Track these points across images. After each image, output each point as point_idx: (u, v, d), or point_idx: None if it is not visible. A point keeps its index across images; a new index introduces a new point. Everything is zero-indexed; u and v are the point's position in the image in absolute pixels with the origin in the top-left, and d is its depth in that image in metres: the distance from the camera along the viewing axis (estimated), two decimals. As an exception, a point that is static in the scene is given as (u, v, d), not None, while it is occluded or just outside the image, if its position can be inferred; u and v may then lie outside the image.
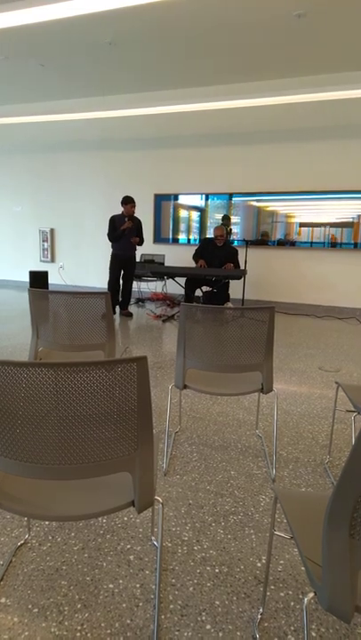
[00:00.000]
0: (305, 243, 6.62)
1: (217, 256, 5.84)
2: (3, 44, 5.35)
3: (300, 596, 1.34)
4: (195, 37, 5.01)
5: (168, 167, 7.29)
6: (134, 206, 5.76)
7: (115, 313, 5.88)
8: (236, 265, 5.87)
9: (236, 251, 5.94)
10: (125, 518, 1.69)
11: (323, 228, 6.48)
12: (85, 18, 4.55)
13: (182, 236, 7.40)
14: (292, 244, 6.69)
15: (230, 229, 7.05)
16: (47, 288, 7.29)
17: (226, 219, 7.08)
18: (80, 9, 3.86)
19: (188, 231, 7.37)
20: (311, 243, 6.58)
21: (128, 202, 5.72)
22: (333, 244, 6.47)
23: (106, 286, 6.14)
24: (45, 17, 4.05)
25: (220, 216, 7.13)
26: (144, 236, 6.03)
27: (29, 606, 1.27)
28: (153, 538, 1.58)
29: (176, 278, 6.12)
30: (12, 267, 8.91)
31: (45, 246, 8.49)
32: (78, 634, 1.19)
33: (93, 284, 8.17)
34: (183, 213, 7.35)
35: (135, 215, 5.86)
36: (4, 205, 8.76)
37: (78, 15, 4.12)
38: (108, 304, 2.32)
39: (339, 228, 6.38)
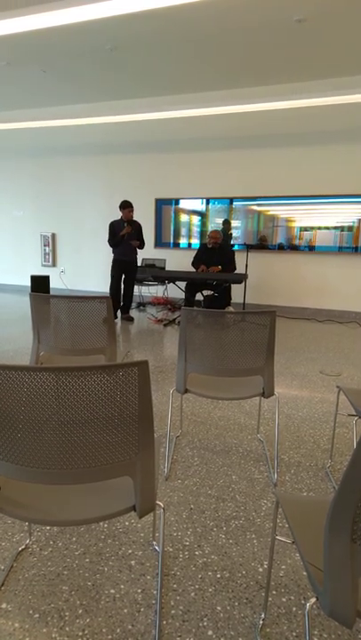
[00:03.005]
0: (306, 247, 6.63)
1: (213, 260, 5.86)
2: (5, 49, 5.39)
3: (302, 602, 1.33)
4: (195, 43, 5.04)
5: (169, 172, 7.32)
6: (132, 210, 5.79)
7: (116, 317, 5.89)
8: (232, 266, 5.87)
9: (233, 252, 5.94)
10: (127, 523, 1.69)
11: (323, 232, 6.49)
12: (86, 24, 4.58)
13: (183, 241, 7.42)
14: (296, 247, 6.69)
15: (231, 233, 7.07)
16: (48, 292, 7.30)
17: (226, 223, 7.10)
18: (81, 15, 3.90)
19: (189, 236, 7.38)
20: (312, 247, 6.59)
21: (126, 206, 5.75)
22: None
23: (107, 290, 6.15)
24: (46, 23, 4.09)
25: (220, 220, 7.15)
26: (144, 239, 6.05)
27: (30, 612, 1.27)
28: (154, 543, 1.58)
29: (177, 282, 6.13)
30: (13, 271, 8.93)
31: (47, 251, 8.51)
32: (80, 639, 1.18)
33: (95, 288, 8.18)
34: (184, 218, 7.37)
35: (134, 219, 5.88)
36: (5, 210, 8.79)
37: (79, 22, 4.15)
38: (109, 308, 2.33)
39: (338, 231, 6.40)
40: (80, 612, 1.27)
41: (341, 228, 6.37)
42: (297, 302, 6.84)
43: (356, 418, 2.69)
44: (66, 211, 8.24)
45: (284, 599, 1.34)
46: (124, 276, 5.94)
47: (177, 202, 7.33)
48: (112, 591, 1.35)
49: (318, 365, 3.97)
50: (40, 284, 7.16)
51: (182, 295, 6.21)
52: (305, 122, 6.35)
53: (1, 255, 9.02)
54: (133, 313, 6.56)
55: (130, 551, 1.53)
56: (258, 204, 6.83)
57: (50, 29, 4.70)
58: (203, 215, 7.24)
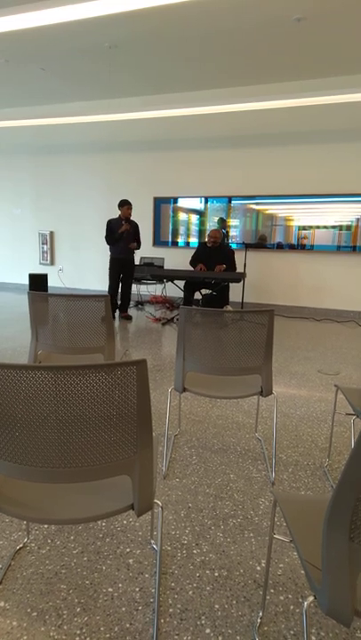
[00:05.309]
0: (305, 246, 6.63)
1: (212, 259, 5.86)
2: (3, 47, 5.37)
3: (300, 600, 1.33)
4: (195, 42, 5.03)
5: (168, 170, 7.31)
6: (130, 208, 5.79)
7: (114, 316, 5.88)
8: (232, 266, 5.87)
9: (232, 252, 5.94)
10: (125, 522, 1.69)
11: (322, 231, 6.50)
12: (86, 22, 4.57)
13: (181, 239, 7.42)
14: (294, 246, 6.69)
15: (227, 231, 7.06)
16: (47, 291, 7.29)
17: (221, 221, 7.09)
18: (80, 13, 3.88)
19: (188, 234, 7.38)
20: (311, 246, 6.59)
21: (124, 204, 5.75)
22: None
23: (105, 289, 6.15)
24: (45, 21, 4.07)
25: (216, 219, 7.14)
26: (141, 239, 6.05)
27: (28, 610, 1.27)
28: (152, 541, 1.58)
29: (175, 281, 6.13)
30: (11, 269, 8.91)
31: (45, 249, 8.49)
32: (77, 638, 1.18)
33: (93, 286, 8.18)
34: (182, 216, 7.36)
35: (132, 218, 5.88)
36: (3, 208, 8.77)
37: (78, 19, 4.14)
38: (107, 307, 2.32)
39: (337, 230, 6.40)
40: (78, 610, 1.27)
41: (340, 227, 6.38)
42: (295, 301, 6.85)
43: (353, 417, 2.70)
44: (64, 209, 8.22)
45: (281, 597, 1.34)
46: (121, 275, 5.93)
47: (175, 200, 7.32)
48: (110, 589, 1.35)
49: (316, 364, 3.98)
50: (38, 283, 7.16)
51: (181, 294, 6.21)
52: (304, 120, 6.35)
53: (-1, 253, 9.01)
54: (132, 312, 6.55)
55: (128, 550, 1.53)
56: (256, 203, 6.82)
57: (49, 27, 4.68)
58: (201, 214, 7.24)
